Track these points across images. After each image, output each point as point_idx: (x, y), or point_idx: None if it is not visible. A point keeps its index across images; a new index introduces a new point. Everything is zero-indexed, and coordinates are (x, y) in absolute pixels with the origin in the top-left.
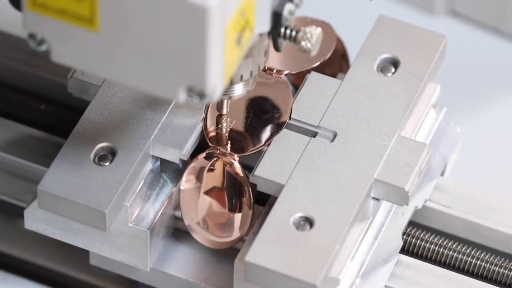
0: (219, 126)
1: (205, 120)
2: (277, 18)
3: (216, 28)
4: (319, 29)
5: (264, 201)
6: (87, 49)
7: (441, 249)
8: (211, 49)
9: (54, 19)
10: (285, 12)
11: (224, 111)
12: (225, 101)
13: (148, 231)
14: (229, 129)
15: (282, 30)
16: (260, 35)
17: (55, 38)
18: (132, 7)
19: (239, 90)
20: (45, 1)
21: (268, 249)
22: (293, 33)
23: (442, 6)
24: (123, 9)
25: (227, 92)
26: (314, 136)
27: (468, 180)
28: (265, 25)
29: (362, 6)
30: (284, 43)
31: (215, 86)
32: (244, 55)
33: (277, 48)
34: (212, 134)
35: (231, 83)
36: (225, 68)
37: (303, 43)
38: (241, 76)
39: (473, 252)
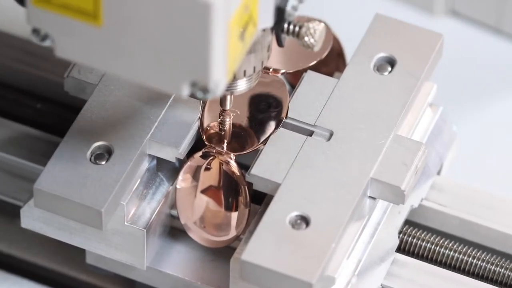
0: (216, 125)
1: (201, 119)
2: (280, 13)
3: (220, 23)
4: (322, 24)
5: (260, 200)
6: (90, 44)
7: (438, 248)
8: (214, 44)
9: (58, 14)
10: (289, 8)
11: (227, 107)
12: (228, 96)
13: (144, 230)
14: (225, 128)
15: (285, 25)
16: (263, 30)
17: (59, 33)
18: (135, 2)
19: (242, 85)
20: None
21: (264, 247)
22: (296, 28)
23: (442, 6)
24: (127, 4)
25: (230, 87)
26: (311, 135)
27: (465, 179)
28: (269, 21)
29: (359, 5)
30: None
31: (218, 81)
32: (247, 51)
33: (280, 43)
34: (209, 133)
35: (234, 78)
36: (229, 63)
37: (306, 39)
38: (244, 72)
39: (469, 251)
